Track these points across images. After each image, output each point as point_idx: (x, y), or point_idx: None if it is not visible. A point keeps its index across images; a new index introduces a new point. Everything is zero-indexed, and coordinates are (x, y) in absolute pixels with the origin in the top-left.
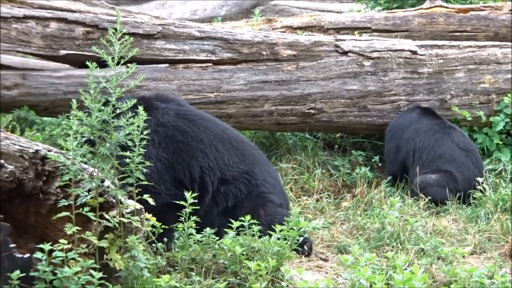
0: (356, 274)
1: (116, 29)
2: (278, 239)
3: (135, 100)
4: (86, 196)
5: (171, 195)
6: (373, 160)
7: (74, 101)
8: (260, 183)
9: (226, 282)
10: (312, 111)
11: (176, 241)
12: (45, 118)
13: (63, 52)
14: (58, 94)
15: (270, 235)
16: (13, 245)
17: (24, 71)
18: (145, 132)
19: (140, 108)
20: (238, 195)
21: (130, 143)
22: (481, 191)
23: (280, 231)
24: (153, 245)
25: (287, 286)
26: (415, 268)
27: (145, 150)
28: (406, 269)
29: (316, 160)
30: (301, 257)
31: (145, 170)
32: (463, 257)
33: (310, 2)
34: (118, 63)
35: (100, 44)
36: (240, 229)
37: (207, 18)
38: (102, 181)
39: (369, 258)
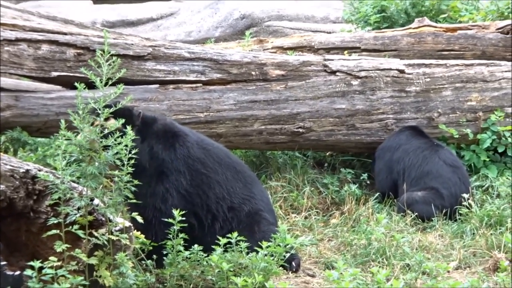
0: None
1: (103, 51)
2: (265, 255)
3: (123, 120)
4: (76, 214)
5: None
6: (361, 178)
7: (62, 121)
8: (257, 202)
9: None
10: (301, 130)
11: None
12: (38, 139)
13: (54, 74)
14: (50, 115)
15: (258, 252)
16: (4, 262)
17: (17, 92)
18: (174, 163)
19: (129, 128)
20: (241, 217)
21: (118, 163)
22: (467, 207)
23: (267, 247)
24: (143, 262)
25: None
26: (395, 282)
27: (174, 183)
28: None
29: (306, 178)
30: (289, 273)
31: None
32: (448, 272)
33: (304, 23)
34: (106, 84)
35: (90, 66)
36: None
37: (202, 40)
38: (92, 200)
39: (353, 273)
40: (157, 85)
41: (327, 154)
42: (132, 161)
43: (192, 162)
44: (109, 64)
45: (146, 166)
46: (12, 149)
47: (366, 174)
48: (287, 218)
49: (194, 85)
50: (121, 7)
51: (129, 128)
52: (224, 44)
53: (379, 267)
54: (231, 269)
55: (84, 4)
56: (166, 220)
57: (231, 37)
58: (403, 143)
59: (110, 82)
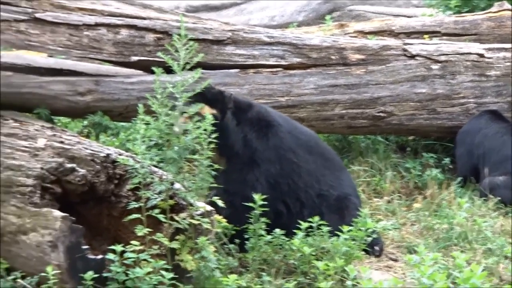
0: (419, 274)
1: (180, 35)
2: (347, 239)
3: (202, 105)
4: (156, 198)
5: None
6: (443, 162)
7: (140, 105)
8: (345, 188)
9: (295, 282)
10: (382, 114)
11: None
12: (120, 123)
13: (134, 58)
14: (131, 99)
15: (339, 236)
16: (86, 246)
17: (97, 77)
18: (266, 153)
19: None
20: (330, 201)
21: (198, 147)
22: None
23: (348, 231)
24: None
25: (353, 285)
26: (474, 266)
27: (265, 172)
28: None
29: (388, 162)
30: (371, 257)
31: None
32: None
33: (386, 8)
34: (183, 68)
35: (168, 50)
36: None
37: (285, 24)
38: (172, 184)
39: (434, 257)
40: (237, 70)
41: (410, 138)
42: (223, 145)
43: (284, 152)
44: (186, 49)
45: (239, 152)
46: (94, 134)
47: (448, 159)
48: (370, 203)
49: (274, 70)
50: None
51: (208, 112)
52: (305, 28)
53: (461, 251)
54: (313, 253)
55: None
56: (250, 204)
57: (314, 21)
58: (482, 127)
59: (187, 67)
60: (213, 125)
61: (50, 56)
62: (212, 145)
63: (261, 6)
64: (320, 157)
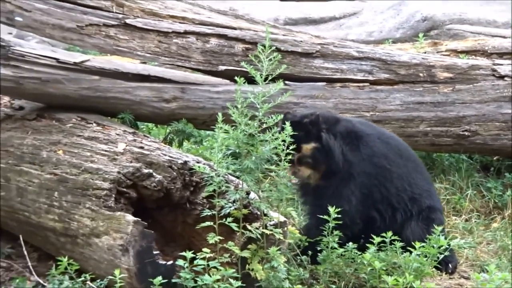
0: None
1: (265, 46)
2: (418, 255)
3: (282, 116)
4: (230, 207)
5: (357, 225)
6: None
7: (220, 114)
8: (435, 201)
9: None
10: (466, 133)
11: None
12: (203, 131)
13: (222, 67)
14: (216, 108)
15: (411, 252)
16: (157, 252)
17: (184, 84)
18: (361, 164)
19: (287, 124)
20: (422, 207)
21: (275, 157)
22: None
23: (420, 247)
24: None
25: None
26: None
27: (359, 185)
28: None
29: (470, 181)
30: (442, 274)
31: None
32: None
33: (484, 28)
34: (266, 79)
35: (254, 61)
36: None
37: (382, 40)
38: (248, 193)
39: (502, 277)
40: (324, 83)
41: (494, 158)
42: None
43: (377, 159)
44: (270, 60)
45: (340, 166)
46: (177, 141)
47: None
48: (448, 220)
49: (361, 84)
50: (305, 5)
51: (309, 149)
52: (399, 45)
53: None
54: (384, 268)
55: (270, 2)
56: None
57: (412, 39)
58: None
59: (270, 78)
60: (316, 152)
61: (143, 63)
62: (290, 157)
63: (360, 22)
64: (411, 160)
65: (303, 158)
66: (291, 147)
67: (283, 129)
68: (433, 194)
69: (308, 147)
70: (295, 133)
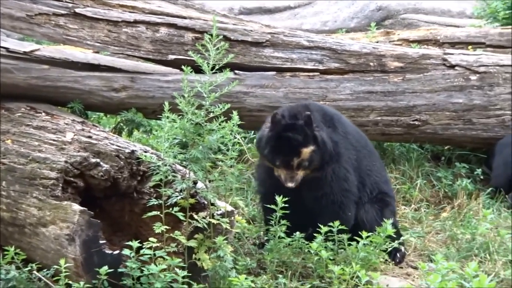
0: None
1: (212, 35)
2: (365, 245)
3: (228, 105)
4: (177, 196)
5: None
6: (475, 173)
7: (166, 103)
8: (390, 189)
9: (310, 285)
10: (417, 122)
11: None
12: (153, 121)
13: (172, 57)
14: (166, 97)
15: (358, 241)
16: (104, 241)
17: (133, 74)
18: (343, 142)
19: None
20: (380, 191)
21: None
22: None
23: (367, 237)
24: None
25: None
26: (482, 276)
27: (348, 161)
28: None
29: (420, 170)
30: (390, 264)
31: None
32: None
33: (439, 17)
34: (213, 69)
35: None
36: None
37: (337, 30)
38: (195, 183)
39: (449, 266)
40: (274, 72)
41: (445, 148)
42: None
43: (351, 137)
44: (217, 49)
45: (333, 155)
46: (126, 130)
47: (480, 169)
48: (397, 210)
49: (311, 74)
50: None
51: (309, 151)
52: (351, 34)
53: (480, 262)
54: (331, 257)
55: None
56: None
57: (366, 28)
58: None
59: (218, 67)
60: (313, 154)
61: (96, 52)
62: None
63: (314, 11)
64: (369, 145)
65: (302, 162)
66: (290, 151)
67: (272, 130)
68: (388, 181)
69: (307, 151)
70: (294, 136)
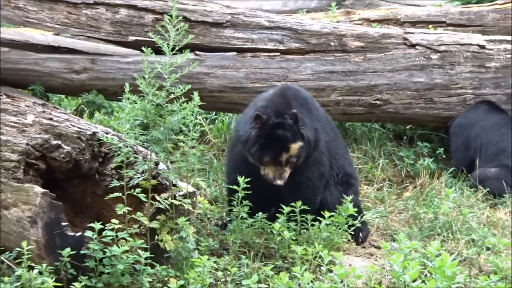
0: (391, 261)
1: (172, 16)
2: (328, 225)
3: (189, 86)
4: (139, 178)
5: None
6: (437, 152)
7: (127, 84)
8: (353, 170)
9: (273, 266)
10: (378, 102)
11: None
12: (115, 103)
13: (131, 38)
14: (127, 79)
15: (320, 221)
16: (66, 223)
17: (94, 56)
18: (315, 124)
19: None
20: (345, 172)
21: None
22: None
23: (330, 217)
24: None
25: (327, 270)
26: (444, 255)
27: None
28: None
29: (382, 150)
30: (352, 244)
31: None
32: None
33: None
34: (173, 50)
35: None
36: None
37: (297, 10)
38: (156, 164)
39: (411, 245)
40: (234, 53)
41: (407, 127)
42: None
43: (322, 120)
44: (177, 30)
45: (320, 137)
46: (88, 112)
47: (442, 149)
48: (360, 190)
49: (272, 54)
50: None
51: (298, 147)
52: (312, 14)
53: (442, 241)
54: (293, 238)
55: None
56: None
57: (327, 8)
58: (480, 119)
59: (178, 48)
60: (301, 150)
61: (57, 34)
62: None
63: None
64: (334, 128)
65: (291, 158)
66: (279, 148)
67: (261, 130)
68: (352, 163)
69: (295, 147)
70: (284, 133)
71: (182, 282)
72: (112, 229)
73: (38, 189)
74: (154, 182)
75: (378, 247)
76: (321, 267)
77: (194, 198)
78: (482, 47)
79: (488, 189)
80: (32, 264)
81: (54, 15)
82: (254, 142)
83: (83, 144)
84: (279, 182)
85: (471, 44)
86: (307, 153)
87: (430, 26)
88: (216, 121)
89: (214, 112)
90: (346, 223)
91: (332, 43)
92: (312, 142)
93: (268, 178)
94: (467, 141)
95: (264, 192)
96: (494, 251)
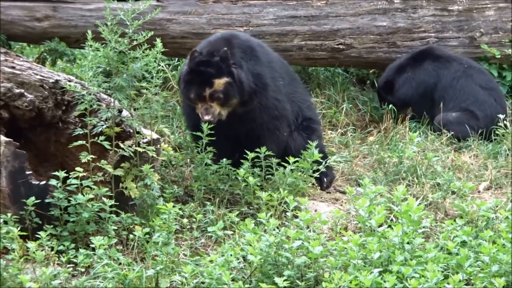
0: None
1: None
2: (292, 170)
3: (152, 33)
4: (102, 125)
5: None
6: None
7: (89, 32)
8: (314, 114)
9: (238, 212)
10: (341, 46)
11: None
12: (77, 50)
13: None
14: (89, 26)
15: (285, 167)
16: (30, 172)
17: (56, 3)
18: (267, 72)
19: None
20: (304, 117)
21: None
22: (503, 127)
23: (294, 162)
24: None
25: (293, 215)
26: (410, 200)
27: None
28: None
29: (346, 95)
30: (317, 189)
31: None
32: (479, 192)
33: None
34: None
35: None
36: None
37: None
38: (120, 111)
39: (376, 190)
40: None
41: (370, 71)
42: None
43: (275, 65)
44: None
45: (251, 97)
46: (50, 60)
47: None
48: (324, 135)
49: None
50: None
51: (222, 84)
52: None
53: (408, 185)
54: (258, 184)
55: None
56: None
57: None
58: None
59: None
60: (228, 87)
61: None
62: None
63: None
64: (289, 72)
65: (215, 94)
66: (202, 82)
67: (191, 69)
68: (312, 106)
69: (221, 82)
70: (206, 69)
71: (147, 229)
72: (76, 177)
73: (2, 138)
74: (117, 129)
75: (343, 192)
76: (287, 213)
77: (158, 145)
78: None
79: (452, 133)
80: None
81: None
82: (183, 79)
83: (46, 92)
84: (206, 117)
85: None
86: (241, 94)
87: None
88: (179, 67)
89: (177, 58)
90: (311, 169)
91: None
92: (247, 85)
93: (201, 117)
94: (425, 90)
95: (226, 139)
96: (460, 195)
